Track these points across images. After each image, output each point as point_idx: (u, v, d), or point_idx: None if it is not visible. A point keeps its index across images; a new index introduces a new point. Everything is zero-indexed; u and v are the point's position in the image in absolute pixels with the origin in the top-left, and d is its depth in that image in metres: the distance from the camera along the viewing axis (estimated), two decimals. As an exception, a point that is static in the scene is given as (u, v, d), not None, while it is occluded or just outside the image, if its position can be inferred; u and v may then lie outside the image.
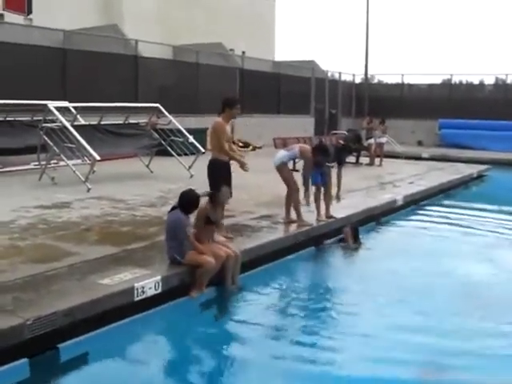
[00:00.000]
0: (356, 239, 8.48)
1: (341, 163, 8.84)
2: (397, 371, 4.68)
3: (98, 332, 4.97)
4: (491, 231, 10.16)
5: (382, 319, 5.78)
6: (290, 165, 8.66)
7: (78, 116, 12.09)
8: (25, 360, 4.40)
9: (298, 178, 8.54)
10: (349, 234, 8.43)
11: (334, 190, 8.92)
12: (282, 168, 8.27)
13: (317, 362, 4.90)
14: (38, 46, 15.61)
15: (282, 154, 8.38)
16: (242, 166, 7.31)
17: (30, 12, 18.67)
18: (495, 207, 12.49)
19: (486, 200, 13.50)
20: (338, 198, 9.03)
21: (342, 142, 17.27)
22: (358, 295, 6.52)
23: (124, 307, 5.21)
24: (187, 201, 6.11)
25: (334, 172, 8.82)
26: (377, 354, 4.98)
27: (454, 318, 5.84)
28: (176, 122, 13.61)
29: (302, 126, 24.33)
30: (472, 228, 10.34)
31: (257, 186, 11.02)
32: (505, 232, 10.18)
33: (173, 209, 6.18)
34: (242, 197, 9.36)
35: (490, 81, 29.24)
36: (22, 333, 4.35)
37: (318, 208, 8.63)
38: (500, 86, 28.66)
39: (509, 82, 27.94)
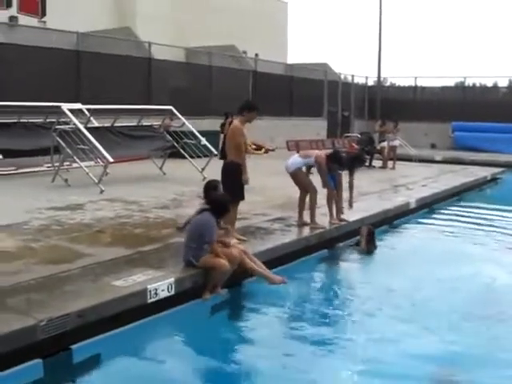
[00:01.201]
0: (372, 242, 8.38)
1: (352, 171, 8.79)
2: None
3: (110, 333, 4.96)
4: (507, 234, 10.06)
5: (394, 333, 5.48)
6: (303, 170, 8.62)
7: (92, 118, 12.14)
8: (39, 360, 4.40)
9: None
10: (364, 236, 8.34)
11: (345, 195, 8.87)
12: (297, 173, 8.27)
13: (329, 366, 4.85)
14: (51, 49, 15.73)
15: (296, 160, 8.34)
16: (245, 179, 7.28)
17: (43, 14, 18.81)
18: (510, 210, 12.36)
19: (500, 202, 13.35)
20: (350, 205, 8.98)
21: (355, 145, 17.35)
22: (369, 303, 6.34)
23: (137, 309, 5.20)
24: (221, 205, 6.10)
25: (345, 176, 8.79)
26: (386, 368, 4.78)
27: (474, 335, 5.50)
28: (189, 125, 13.63)
29: (315, 128, 24.27)
30: (486, 231, 10.22)
31: (270, 189, 11.00)
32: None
33: (201, 211, 6.14)
34: (255, 199, 9.35)
35: (503, 83, 29.06)
36: (35, 333, 4.35)
37: (330, 210, 8.58)
38: (514, 88, 28.46)
39: (523, 84, 27.78)
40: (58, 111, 11.73)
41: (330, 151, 8.65)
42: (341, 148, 13.00)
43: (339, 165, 8.35)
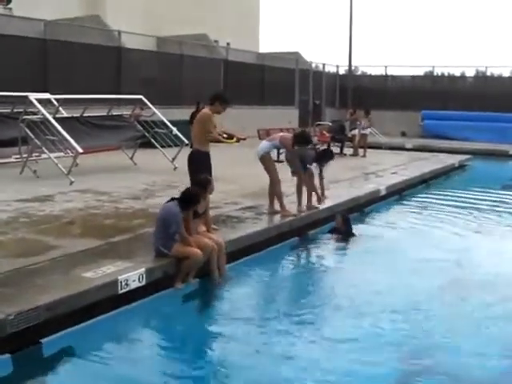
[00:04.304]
0: (347, 229, 8.44)
1: (322, 166, 8.84)
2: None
3: (82, 326, 4.94)
4: (473, 219, 10.27)
5: (360, 321, 5.52)
6: (274, 156, 8.66)
7: (60, 108, 11.97)
8: (7, 356, 4.36)
9: (282, 169, 8.56)
10: (340, 222, 8.43)
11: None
12: (264, 158, 8.30)
13: (300, 353, 4.90)
14: (18, 37, 15.39)
15: (264, 144, 8.41)
16: (237, 138, 7.47)
17: (9, 1, 18.41)
18: (476, 196, 12.61)
19: (466, 188, 13.63)
20: (318, 200, 8.93)
21: (327, 134, 17.44)
22: (336, 290, 6.42)
23: (108, 300, 5.19)
24: (189, 198, 6.05)
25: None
26: (353, 357, 4.81)
27: (438, 322, 5.60)
28: (159, 114, 13.53)
29: (287, 117, 24.30)
30: (454, 216, 10.41)
31: (242, 177, 11.02)
32: (485, 219, 10.33)
33: (170, 200, 6.13)
34: (227, 188, 9.37)
35: (470, 73, 29.45)
36: (3, 328, 4.30)
37: (298, 198, 8.63)
38: (480, 78, 28.84)
39: (488, 74, 28.19)
40: (26, 101, 11.53)
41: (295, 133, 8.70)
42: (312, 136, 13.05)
43: (306, 143, 8.41)
